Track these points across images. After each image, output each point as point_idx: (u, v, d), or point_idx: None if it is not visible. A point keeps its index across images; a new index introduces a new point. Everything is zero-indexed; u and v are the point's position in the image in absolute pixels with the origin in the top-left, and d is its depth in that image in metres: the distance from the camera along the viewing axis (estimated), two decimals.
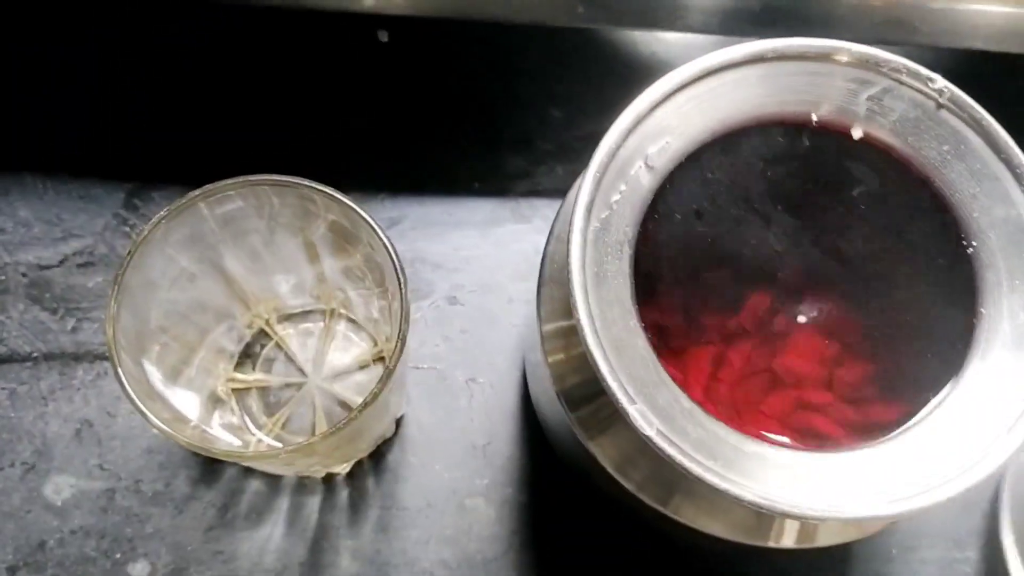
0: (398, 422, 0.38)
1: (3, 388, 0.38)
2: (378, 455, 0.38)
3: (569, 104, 0.43)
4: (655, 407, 0.23)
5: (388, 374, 0.28)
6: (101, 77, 0.42)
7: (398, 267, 0.29)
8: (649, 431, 0.23)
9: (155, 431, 0.27)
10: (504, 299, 0.40)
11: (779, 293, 0.26)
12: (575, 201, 0.24)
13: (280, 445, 0.36)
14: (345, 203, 0.30)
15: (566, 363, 0.27)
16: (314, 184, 0.30)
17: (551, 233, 0.29)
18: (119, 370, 0.27)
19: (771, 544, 0.27)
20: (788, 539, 0.27)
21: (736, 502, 0.22)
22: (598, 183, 0.24)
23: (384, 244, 0.29)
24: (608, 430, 0.26)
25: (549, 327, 0.27)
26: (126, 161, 0.41)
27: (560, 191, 0.36)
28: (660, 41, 0.44)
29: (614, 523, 0.37)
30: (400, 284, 0.29)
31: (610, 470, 0.27)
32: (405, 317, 0.29)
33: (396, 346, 0.28)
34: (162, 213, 0.28)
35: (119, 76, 0.42)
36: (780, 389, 0.26)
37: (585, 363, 0.23)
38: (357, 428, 0.29)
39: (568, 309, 0.24)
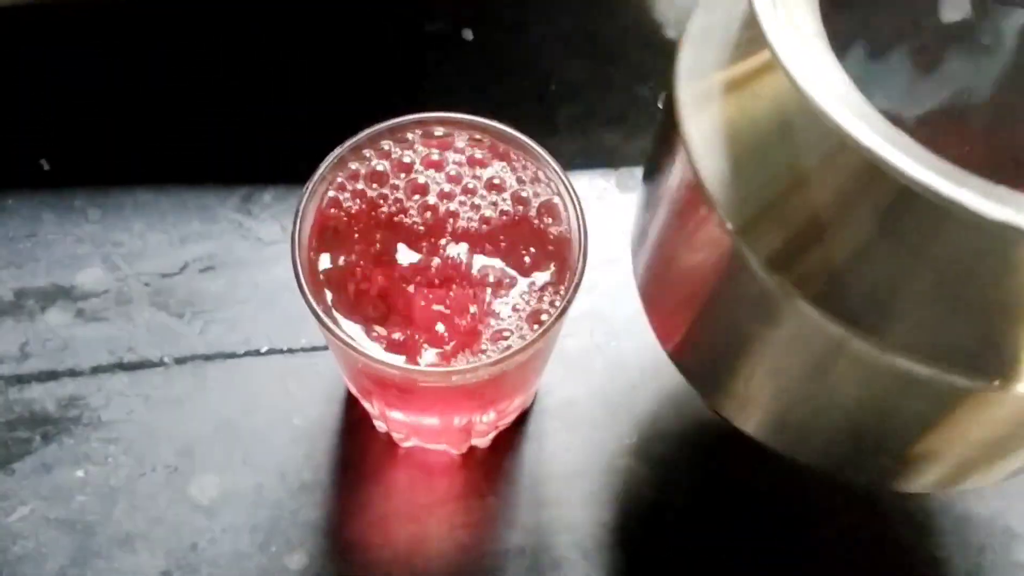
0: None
1: (137, 395, 0.37)
2: (517, 427, 0.38)
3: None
4: None
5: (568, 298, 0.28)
6: (207, 93, 0.43)
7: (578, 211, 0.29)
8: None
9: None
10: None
11: None
12: None
13: None
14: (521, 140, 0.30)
15: None
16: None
17: None
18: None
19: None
20: None
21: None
22: None
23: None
24: None
25: None
26: (236, 167, 0.41)
27: None
28: None
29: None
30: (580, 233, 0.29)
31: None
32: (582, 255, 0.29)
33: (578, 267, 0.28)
34: (329, 158, 0.29)
35: (226, 89, 0.43)
36: None
37: None
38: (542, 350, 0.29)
39: None
